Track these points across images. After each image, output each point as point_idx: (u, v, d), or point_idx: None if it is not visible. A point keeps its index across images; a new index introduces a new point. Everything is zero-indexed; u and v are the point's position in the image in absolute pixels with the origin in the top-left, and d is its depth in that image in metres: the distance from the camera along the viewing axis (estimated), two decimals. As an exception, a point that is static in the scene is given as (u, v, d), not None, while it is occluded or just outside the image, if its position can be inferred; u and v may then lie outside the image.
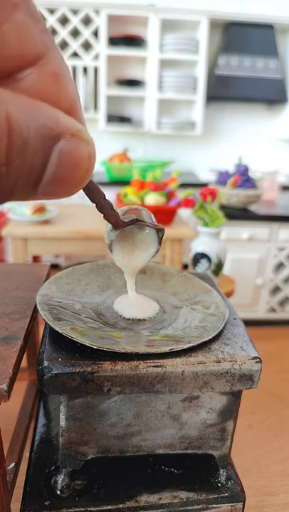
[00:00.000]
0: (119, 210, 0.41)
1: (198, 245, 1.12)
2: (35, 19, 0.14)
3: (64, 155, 0.15)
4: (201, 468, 0.49)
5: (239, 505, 0.46)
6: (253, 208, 1.75)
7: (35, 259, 1.57)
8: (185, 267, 1.59)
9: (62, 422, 0.40)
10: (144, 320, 0.45)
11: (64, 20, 2.11)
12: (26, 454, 0.55)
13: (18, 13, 0.14)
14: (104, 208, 0.33)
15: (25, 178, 0.15)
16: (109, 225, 0.39)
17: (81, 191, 0.21)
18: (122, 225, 0.38)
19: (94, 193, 0.30)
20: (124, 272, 0.46)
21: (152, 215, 0.44)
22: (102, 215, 0.34)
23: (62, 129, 0.14)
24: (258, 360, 0.40)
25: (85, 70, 2.18)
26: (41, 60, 0.15)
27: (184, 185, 1.65)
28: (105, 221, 0.37)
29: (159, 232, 0.42)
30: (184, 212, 1.53)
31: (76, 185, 0.16)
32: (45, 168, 0.15)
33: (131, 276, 0.46)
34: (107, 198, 0.32)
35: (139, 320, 0.45)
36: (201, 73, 2.22)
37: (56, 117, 0.14)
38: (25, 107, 0.13)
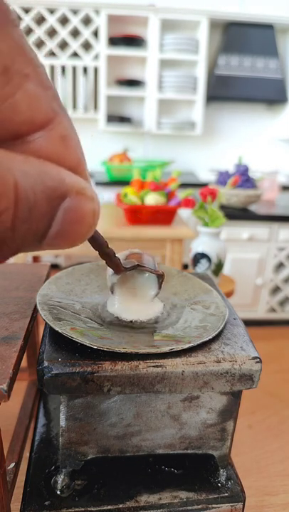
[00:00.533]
0: (121, 255, 0.43)
1: (198, 245, 1.12)
2: (46, 87, 0.16)
3: (69, 212, 0.15)
4: (201, 468, 0.49)
5: (239, 505, 0.46)
6: (253, 208, 1.75)
7: (35, 259, 1.57)
8: (185, 267, 1.59)
9: (62, 422, 0.40)
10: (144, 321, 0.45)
11: (64, 20, 2.11)
12: (26, 454, 0.55)
13: (29, 83, 0.15)
14: (107, 255, 0.34)
15: (32, 237, 0.15)
16: (111, 270, 0.41)
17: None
18: (123, 270, 0.40)
19: (97, 242, 0.31)
20: (118, 315, 0.46)
21: (154, 259, 0.46)
22: (105, 261, 0.36)
23: (68, 187, 0.15)
24: (258, 360, 0.40)
25: (85, 70, 2.18)
26: (50, 124, 0.16)
27: (184, 185, 1.65)
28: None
29: (159, 277, 0.44)
30: (184, 212, 1.53)
31: (80, 240, 0.17)
32: (51, 227, 0.15)
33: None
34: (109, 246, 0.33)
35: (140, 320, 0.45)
36: (201, 73, 2.22)
37: (62, 177, 0.15)
38: (32, 171, 0.14)
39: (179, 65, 2.32)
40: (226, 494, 0.46)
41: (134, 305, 0.46)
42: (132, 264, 0.41)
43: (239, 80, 2.24)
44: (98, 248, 0.32)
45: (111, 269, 0.41)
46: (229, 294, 1.21)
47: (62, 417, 0.40)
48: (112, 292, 0.44)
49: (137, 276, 0.45)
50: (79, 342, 0.37)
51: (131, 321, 0.45)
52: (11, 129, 0.15)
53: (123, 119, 2.32)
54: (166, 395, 0.41)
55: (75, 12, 2.09)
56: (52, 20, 2.07)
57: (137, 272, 0.44)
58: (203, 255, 1.11)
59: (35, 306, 0.48)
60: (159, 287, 0.45)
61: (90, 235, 0.17)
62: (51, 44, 2.11)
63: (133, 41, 2.18)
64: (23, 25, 2.07)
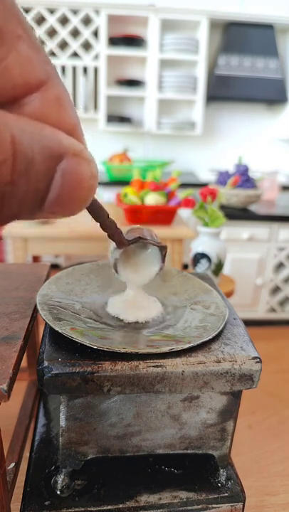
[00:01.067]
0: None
1: (198, 245, 1.12)
2: (37, 50, 0.16)
3: (67, 174, 0.16)
4: (201, 468, 0.49)
5: (239, 505, 0.46)
6: (253, 208, 1.75)
7: (35, 259, 1.57)
8: (185, 267, 1.59)
9: (62, 422, 0.40)
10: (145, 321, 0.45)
11: (64, 20, 2.11)
12: (26, 454, 0.55)
13: (21, 44, 0.15)
14: (108, 227, 0.33)
15: (31, 197, 0.15)
16: (113, 245, 0.40)
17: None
18: (126, 243, 0.38)
19: (98, 212, 0.30)
20: (127, 285, 0.46)
21: (154, 234, 0.45)
22: (106, 234, 0.34)
23: (65, 149, 0.15)
24: (258, 360, 0.40)
25: (85, 70, 2.18)
26: (44, 86, 0.16)
27: (183, 185, 1.65)
28: (109, 241, 0.38)
29: (162, 249, 0.43)
30: (184, 212, 1.53)
31: (80, 205, 0.17)
32: (50, 188, 0.16)
33: (134, 288, 0.47)
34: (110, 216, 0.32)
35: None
36: (201, 73, 2.22)
37: (58, 138, 0.15)
38: (28, 130, 0.14)
39: (179, 65, 2.32)
40: (226, 494, 0.46)
41: (137, 277, 0.45)
42: (134, 237, 0.40)
43: (239, 80, 2.24)
44: (99, 219, 0.31)
45: (113, 245, 0.39)
46: (229, 294, 1.21)
47: (62, 417, 0.40)
48: (116, 270, 0.43)
49: (139, 252, 0.44)
50: (79, 342, 0.37)
51: (130, 323, 0.45)
52: (5, 91, 0.15)
53: (123, 119, 2.32)
54: (166, 395, 0.41)
55: (75, 12, 2.09)
56: (52, 20, 2.07)
57: (139, 247, 0.43)
58: (203, 255, 1.11)
59: (35, 306, 0.48)
60: (163, 260, 0.44)
61: (90, 200, 0.17)
62: (51, 44, 2.11)
63: (133, 41, 2.18)
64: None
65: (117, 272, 0.44)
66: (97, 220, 0.31)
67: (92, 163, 0.17)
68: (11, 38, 0.15)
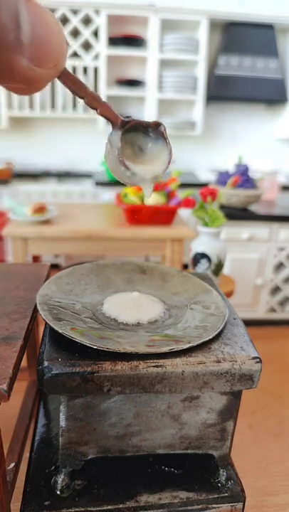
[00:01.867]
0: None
1: (198, 245, 1.12)
2: None
3: (32, 11, 0.18)
4: (201, 469, 0.49)
5: (239, 505, 0.46)
6: (253, 208, 1.75)
7: (35, 259, 1.57)
8: (185, 267, 1.59)
9: (62, 422, 0.40)
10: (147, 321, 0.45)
11: (64, 21, 2.11)
12: (26, 454, 0.55)
13: None
14: (96, 99, 0.29)
15: (5, 37, 0.17)
16: (109, 131, 0.34)
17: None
18: (121, 119, 0.33)
19: (79, 84, 0.27)
20: (141, 183, 0.37)
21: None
22: (95, 110, 0.30)
23: None
24: (258, 360, 0.40)
25: (85, 70, 2.18)
26: None
27: (184, 185, 1.65)
28: (105, 144, 0.33)
29: (159, 128, 0.37)
30: (184, 212, 1.53)
31: (57, 50, 0.19)
32: (19, 19, 0.17)
33: (150, 184, 0.39)
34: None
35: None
36: (201, 73, 2.22)
37: None
38: None
39: (179, 65, 2.32)
40: (226, 494, 0.46)
41: (151, 167, 0.37)
42: (130, 118, 0.34)
43: (239, 80, 2.24)
44: (82, 91, 0.28)
45: (109, 131, 0.33)
46: (229, 294, 1.21)
47: (62, 417, 0.40)
48: (123, 164, 0.35)
49: (140, 140, 0.37)
50: (79, 342, 0.37)
51: (128, 324, 0.45)
52: None
53: (123, 119, 2.32)
54: (166, 395, 0.41)
55: (75, 12, 2.09)
56: (52, 21, 2.07)
57: (136, 136, 0.36)
58: (203, 255, 1.11)
59: (35, 306, 0.48)
60: (168, 142, 0.38)
61: (65, 47, 0.19)
62: (51, 44, 2.11)
63: (133, 41, 2.18)
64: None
65: (125, 165, 0.35)
66: (80, 95, 0.28)
67: (49, 11, 0.19)
68: None
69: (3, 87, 0.20)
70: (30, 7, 0.18)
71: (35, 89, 0.20)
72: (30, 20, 0.18)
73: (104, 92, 2.19)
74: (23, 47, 0.18)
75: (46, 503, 0.43)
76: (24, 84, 0.19)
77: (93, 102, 0.30)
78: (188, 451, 0.45)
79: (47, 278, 0.62)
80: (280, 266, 1.78)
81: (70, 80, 0.27)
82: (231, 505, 0.46)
